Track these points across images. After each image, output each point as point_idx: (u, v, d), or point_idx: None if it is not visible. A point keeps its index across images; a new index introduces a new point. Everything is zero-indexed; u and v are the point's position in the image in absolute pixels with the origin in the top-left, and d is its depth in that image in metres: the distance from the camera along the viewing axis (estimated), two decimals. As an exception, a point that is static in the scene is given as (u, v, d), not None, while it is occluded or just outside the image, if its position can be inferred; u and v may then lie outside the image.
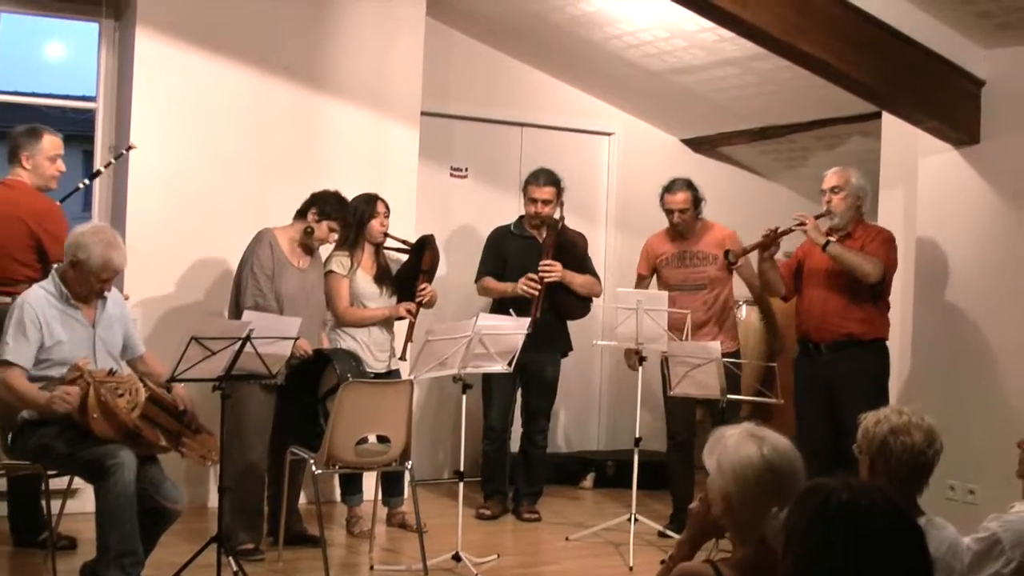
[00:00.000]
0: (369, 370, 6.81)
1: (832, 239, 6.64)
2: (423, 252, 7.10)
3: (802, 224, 6.73)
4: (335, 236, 6.71)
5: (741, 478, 2.96)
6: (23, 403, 5.36)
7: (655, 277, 7.63)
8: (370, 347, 6.99)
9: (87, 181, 6.98)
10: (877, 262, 6.58)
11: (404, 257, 7.24)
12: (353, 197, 7.03)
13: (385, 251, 7.20)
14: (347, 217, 6.70)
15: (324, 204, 6.64)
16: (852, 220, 6.76)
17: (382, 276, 7.11)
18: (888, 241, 6.74)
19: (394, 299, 7.08)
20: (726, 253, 7.10)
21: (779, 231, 6.81)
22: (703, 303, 7.37)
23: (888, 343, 6.84)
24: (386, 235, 7.11)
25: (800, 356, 6.96)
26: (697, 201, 7.50)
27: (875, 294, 6.70)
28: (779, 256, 7.15)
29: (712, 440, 3.07)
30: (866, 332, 6.69)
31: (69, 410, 5.15)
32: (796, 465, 2.99)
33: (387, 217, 7.10)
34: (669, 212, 7.50)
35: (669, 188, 7.51)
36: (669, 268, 7.50)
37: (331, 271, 6.98)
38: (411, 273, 7.11)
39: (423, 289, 7.03)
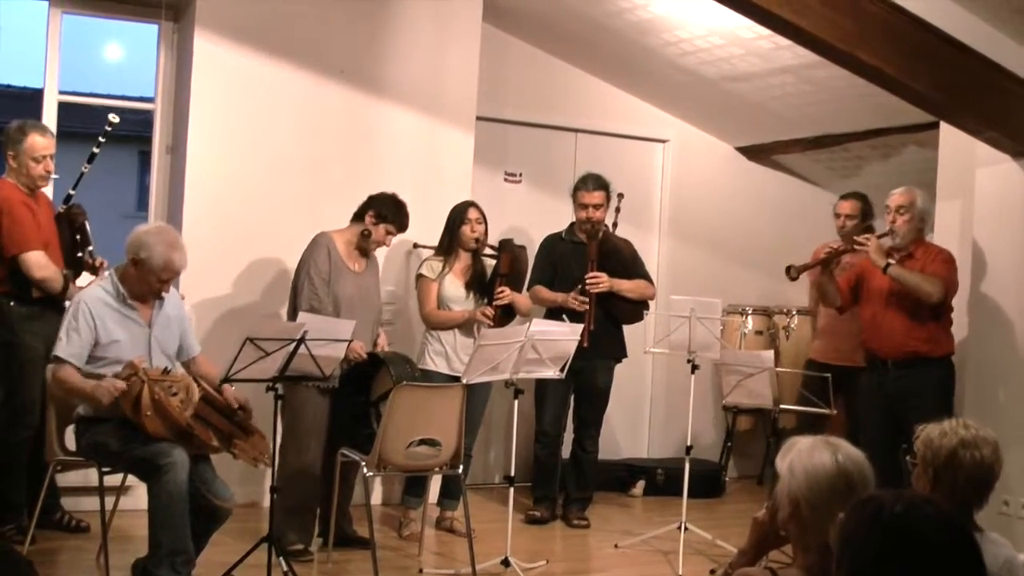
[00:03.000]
0: (452, 372, 6.92)
1: (892, 261, 6.67)
2: (500, 256, 7.13)
3: (863, 246, 6.77)
4: (391, 239, 6.75)
5: (813, 482, 2.96)
6: (72, 395, 5.44)
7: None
8: (456, 350, 7.06)
9: (88, 164, 6.84)
10: (937, 282, 6.61)
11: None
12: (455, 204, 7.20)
13: (484, 257, 7.25)
14: (403, 221, 6.71)
15: (381, 207, 6.67)
16: (913, 241, 6.79)
17: (473, 281, 7.17)
18: (948, 262, 6.75)
19: (480, 303, 7.15)
20: (787, 269, 7.08)
21: (841, 250, 7.01)
22: (851, 313, 7.27)
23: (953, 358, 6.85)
24: (478, 241, 7.14)
25: (867, 370, 6.98)
26: (865, 214, 7.64)
27: (936, 312, 6.71)
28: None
29: (786, 446, 3.08)
30: (932, 350, 6.71)
31: (112, 399, 5.20)
32: (868, 475, 2.98)
33: (479, 224, 7.13)
34: (836, 217, 7.69)
35: (843, 196, 7.79)
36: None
37: (420, 275, 7.13)
38: (492, 278, 7.16)
39: (500, 293, 7.06)
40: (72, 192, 6.72)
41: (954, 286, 6.75)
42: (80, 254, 6.46)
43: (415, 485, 7.12)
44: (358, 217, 6.70)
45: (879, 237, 6.82)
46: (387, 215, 6.65)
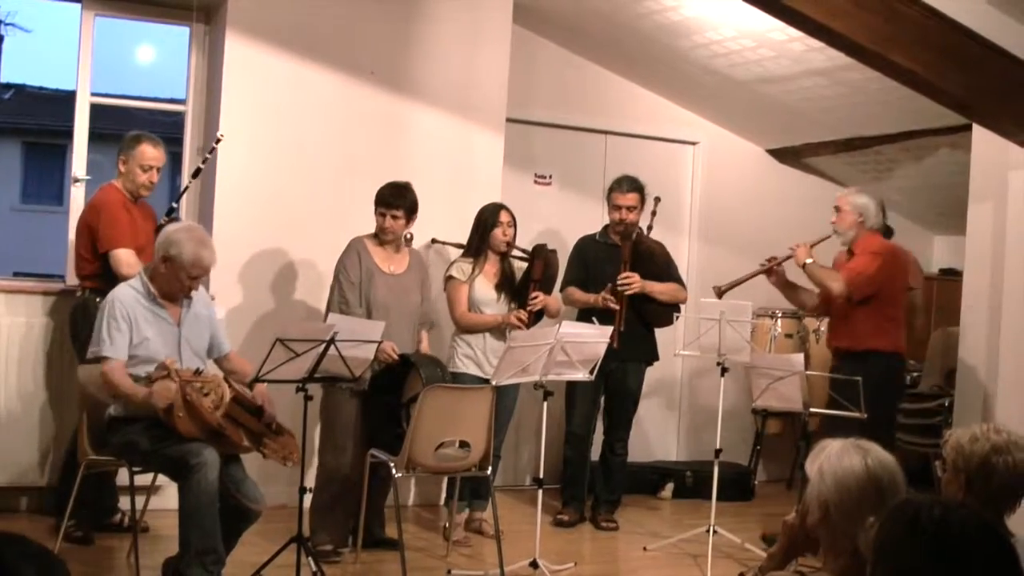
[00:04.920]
0: (482, 375, 6.88)
1: (810, 260, 7.07)
2: (534, 261, 7.12)
3: (793, 250, 7.17)
4: (394, 222, 6.65)
5: (843, 487, 2.94)
6: (122, 397, 5.45)
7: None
8: (486, 353, 7.03)
9: (192, 179, 7.09)
10: (838, 278, 6.96)
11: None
12: (482, 206, 7.20)
13: (512, 260, 7.24)
14: (396, 201, 6.64)
15: (376, 197, 6.70)
16: (855, 237, 7.11)
17: (503, 284, 7.14)
18: (873, 254, 7.02)
19: (511, 306, 7.11)
20: (715, 288, 7.37)
21: (775, 260, 7.30)
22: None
23: (892, 352, 7.07)
24: (508, 244, 7.13)
25: None
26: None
27: (864, 306, 6.96)
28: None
29: (816, 449, 3.06)
30: (854, 344, 6.95)
31: (168, 403, 5.23)
32: (898, 479, 2.96)
33: (510, 227, 7.11)
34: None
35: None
36: None
37: (450, 276, 7.11)
38: (525, 282, 7.14)
39: (534, 298, 7.04)
40: (175, 205, 6.96)
41: (868, 277, 6.93)
42: None
43: (477, 488, 7.15)
44: None
45: (817, 242, 7.19)
46: (378, 200, 6.68)
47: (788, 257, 7.22)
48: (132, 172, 6.62)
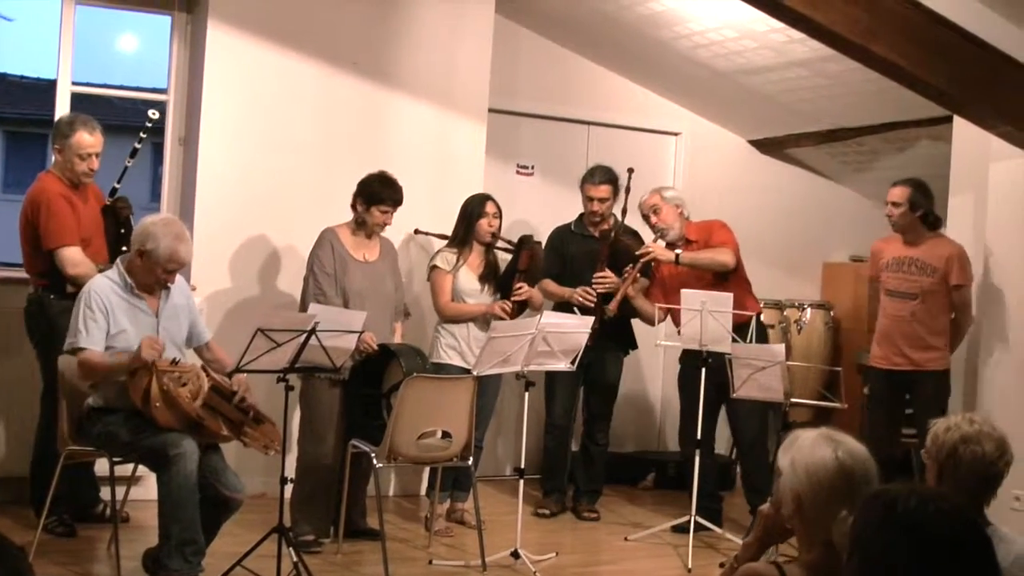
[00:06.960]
0: (466, 366, 6.85)
1: (679, 251, 7.20)
2: (520, 252, 7.11)
3: (647, 253, 7.23)
4: (390, 217, 6.69)
5: (814, 479, 2.95)
6: (106, 376, 5.44)
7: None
8: (469, 343, 7.02)
9: (130, 159, 6.85)
10: (726, 250, 7.18)
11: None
12: (468, 196, 7.21)
13: (496, 250, 7.25)
14: (394, 196, 6.66)
15: (367, 190, 6.66)
16: (683, 226, 7.32)
17: (487, 274, 7.16)
18: (723, 227, 7.34)
19: (495, 297, 7.12)
20: (602, 311, 7.30)
21: (636, 268, 7.31)
22: (911, 313, 7.11)
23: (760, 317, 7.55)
24: (493, 235, 7.13)
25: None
26: (914, 204, 7.08)
27: (731, 277, 7.22)
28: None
29: (787, 441, 3.07)
30: (740, 317, 6.97)
31: (156, 353, 5.23)
32: (870, 470, 2.97)
33: (496, 218, 7.12)
34: (885, 205, 7.27)
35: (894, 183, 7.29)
36: (888, 271, 7.25)
37: (435, 266, 7.10)
38: (510, 273, 7.14)
39: (519, 289, 7.05)
40: (117, 185, 6.77)
41: (738, 248, 7.26)
42: (125, 247, 6.38)
43: (459, 478, 7.16)
44: (353, 206, 6.72)
45: (654, 241, 7.38)
46: (376, 196, 6.64)
47: (643, 264, 7.29)
48: (70, 161, 6.37)
